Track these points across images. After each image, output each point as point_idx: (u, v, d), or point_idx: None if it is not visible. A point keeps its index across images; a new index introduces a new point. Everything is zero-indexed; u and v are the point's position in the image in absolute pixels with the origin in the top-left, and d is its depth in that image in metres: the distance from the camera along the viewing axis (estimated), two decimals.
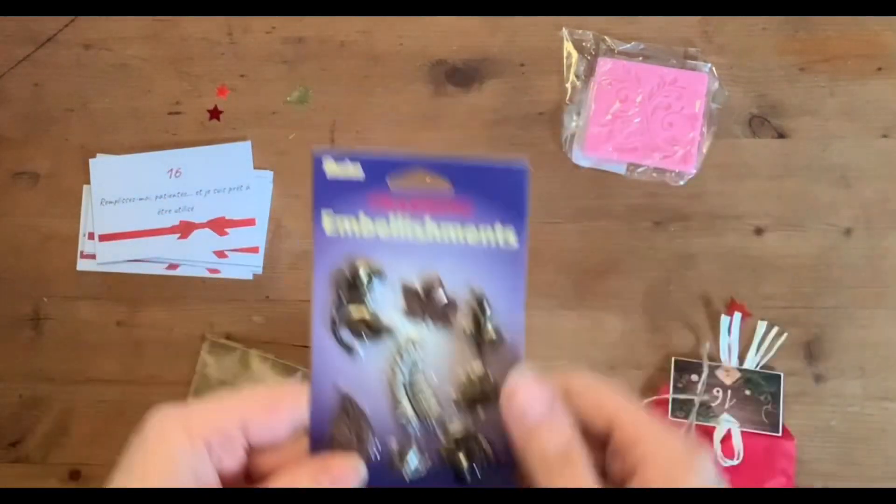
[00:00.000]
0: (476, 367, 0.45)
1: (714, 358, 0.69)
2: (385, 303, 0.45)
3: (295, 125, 0.73)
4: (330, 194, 0.45)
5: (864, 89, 0.71)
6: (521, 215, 0.44)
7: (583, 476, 0.37)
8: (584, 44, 0.72)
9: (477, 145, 0.72)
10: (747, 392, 0.68)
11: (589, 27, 0.72)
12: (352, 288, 0.45)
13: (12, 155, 0.74)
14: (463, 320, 0.45)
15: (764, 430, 0.67)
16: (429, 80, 0.73)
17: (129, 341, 0.72)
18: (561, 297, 0.71)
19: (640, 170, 0.70)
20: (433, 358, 0.45)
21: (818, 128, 0.71)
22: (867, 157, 0.71)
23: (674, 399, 0.68)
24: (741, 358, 0.69)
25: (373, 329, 0.45)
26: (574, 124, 0.71)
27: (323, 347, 0.45)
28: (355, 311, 0.45)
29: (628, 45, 0.72)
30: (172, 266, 0.72)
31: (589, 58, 0.72)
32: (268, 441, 0.41)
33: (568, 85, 0.72)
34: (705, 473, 0.36)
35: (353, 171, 0.44)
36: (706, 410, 0.68)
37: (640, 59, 0.71)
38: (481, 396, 0.44)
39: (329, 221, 0.44)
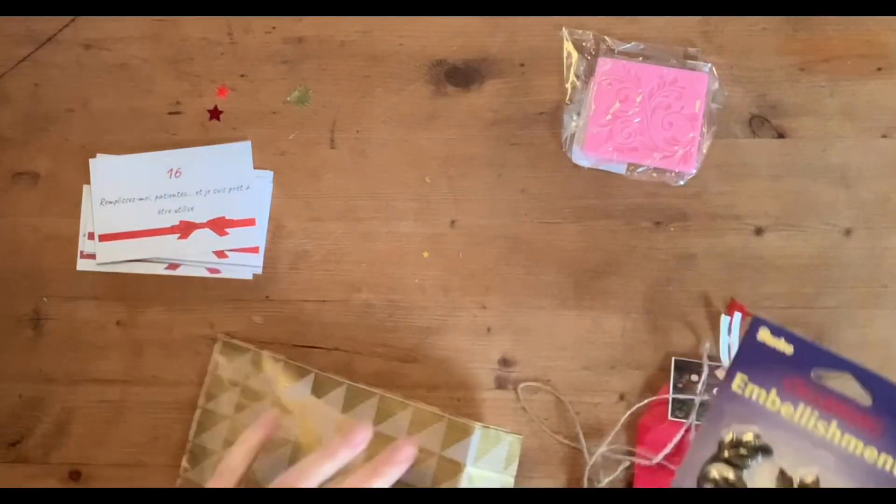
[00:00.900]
0: None
1: (714, 358, 0.69)
2: (758, 479, 0.46)
3: (295, 125, 0.73)
4: (753, 359, 0.48)
5: (864, 89, 0.71)
6: None
7: None
8: (584, 44, 0.72)
9: (477, 145, 0.72)
10: None
11: (589, 27, 0.72)
12: (732, 448, 0.47)
13: (12, 155, 0.74)
14: None
15: None
16: (429, 79, 0.73)
17: (129, 341, 0.72)
18: (561, 297, 0.71)
19: (640, 170, 0.70)
20: None
21: (818, 128, 0.71)
22: (867, 157, 0.71)
23: (674, 399, 0.68)
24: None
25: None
26: (574, 124, 0.71)
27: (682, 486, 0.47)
28: (722, 471, 0.47)
29: (628, 45, 0.72)
30: (172, 266, 0.72)
31: (589, 58, 0.72)
32: None
33: (568, 85, 0.72)
34: None
35: (784, 346, 0.47)
36: (706, 410, 0.68)
37: (640, 59, 0.71)
38: None
39: (740, 381, 0.47)
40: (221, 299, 0.72)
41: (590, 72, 0.71)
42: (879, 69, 0.71)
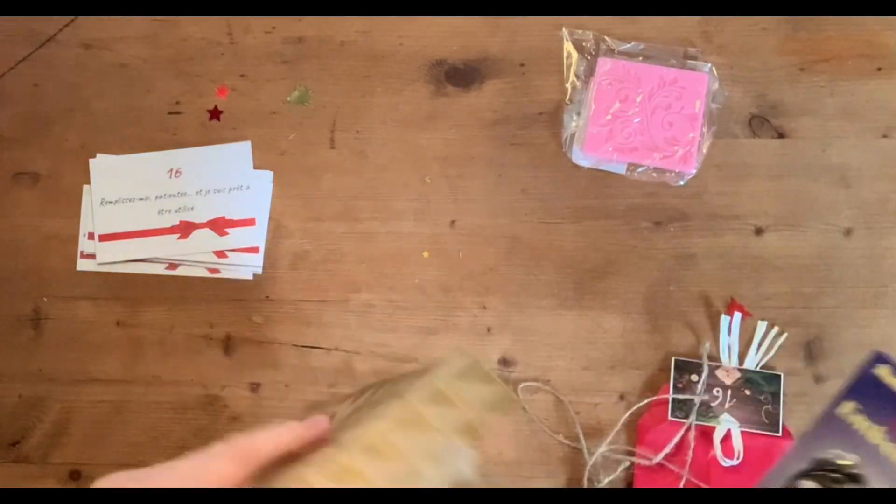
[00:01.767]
0: None
1: (714, 358, 0.69)
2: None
3: (295, 125, 0.73)
4: (868, 393, 0.49)
5: (864, 89, 0.71)
6: None
7: None
8: (584, 44, 0.72)
9: (477, 145, 0.72)
10: (747, 392, 0.68)
11: (589, 27, 0.72)
12: (828, 470, 0.50)
13: (12, 155, 0.74)
14: None
15: (764, 430, 0.67)
16: (429, 80, 0.73)
17: (129, 341, 0.72)
18: (561, 297, 0.71)
19: (640, 170, 0.70)
20: None
21: (818, 128, 0.71)
22: (867, 157, 0.71)
23: (674, 399, 0.68)
24: (741, 358, 0.69)
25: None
26: (574, 124, 0.71)
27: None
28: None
29: (628, 45, 0.72)
30: (172, 266, 0.72)
31: (589, 58, 0.72)
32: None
33: (568, 85, 0.72)
34: None
35: None
36: (706, 410, 0.68)
37: (640, 59, 0.71)
38: None
39: (850, 408, 0.49)
40: (221, 299, 0.72)
41: (590, 72, 0.71)
42: (879, 69, 0.71)
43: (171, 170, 0.73)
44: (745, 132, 0.71)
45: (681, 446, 0.67)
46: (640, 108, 0.70)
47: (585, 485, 0.68)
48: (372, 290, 0.72)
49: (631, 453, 0.68)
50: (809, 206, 0.71)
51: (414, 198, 0.72)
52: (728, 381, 0.68)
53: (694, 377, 0.68)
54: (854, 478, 0.47)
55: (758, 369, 0.68)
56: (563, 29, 0.72)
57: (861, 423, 0.49)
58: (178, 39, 0.74)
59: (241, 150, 0.73)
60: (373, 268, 0.72)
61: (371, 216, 0.72)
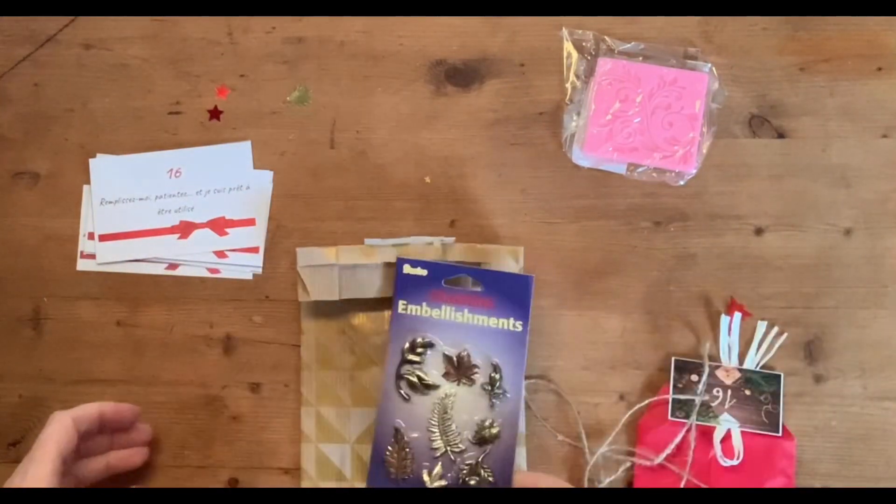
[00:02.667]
0: (487, 416, 0.66)
1: (714, 358, 0.69)
2: (433, 366, 0.66)
3: (295, 125, 0.73)
4: (406, 288, 0.67)
5: (864, 89, 0.71)
6: (525, 309, 0.66)
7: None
8: (584, 44, 0.72)
9: (477, 145, 0.72)
10: (747, 392, 0.68)
11: (589, 27, 0.72)
12: (412, 353, 0.66)
13: (12, 155, 0.74)
14: (482, 381, 0.66)
15: (764, 430, 0.67)
16: (429, 80, 0.73)
17: (129, 341, 0.72)
18: (561, 297, 0.71)
19: (640, 170, 0.70)
20: (460, 407, 0.66)
21: (818, 128, 0.71)
22: (867, 157, 0.71)
23: (674, 399, 0.68)
24: (741, 358, 0.69)
25: (423, 384, 0.66)
26: (574, 124, 0.71)
27: (389, 394, 0.66)
28: (410, 369, 0.66)
29: (628, 45, 0.72)
30: (172, 266, 0.72)
31: (589, 58, 0.72)
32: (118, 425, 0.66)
33: (568, 85, 0.72)
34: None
35: (420, 271, 0.67)
36: (706, 410, 0.68)
37: (640, 59, 0.71)
38: (488, 438, 0.65)
39: (403, 305, 0.67)
40: (221, 299, 0.72)
41: (590, 72, 0.71)
42: (879, 69, 0.71)
43: (171, 170, 0.73)
44: (745, 132, 0.71)
45: (681, 446, 0.67)
46: (640, 108, 0.70)
47: (586, 485, 0.68)
48: None
49: (631, 453, 0.68)
50: (809, 206, 0.71)
51: (414, 198, 0.72)
52: (728, 381, 0.68)
53: (694, 377, 0.68)
54: (429, 345, 0.66)
55: (758, 369, 0.68)
56: (563, 29, 0.72)
57: (412, 309, 0.67)
58: (178, 39, 0.74)
59: (241, 150, 0.73)
60: None
61: (371, 216, 0.72)
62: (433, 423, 0.66)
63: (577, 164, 0.72)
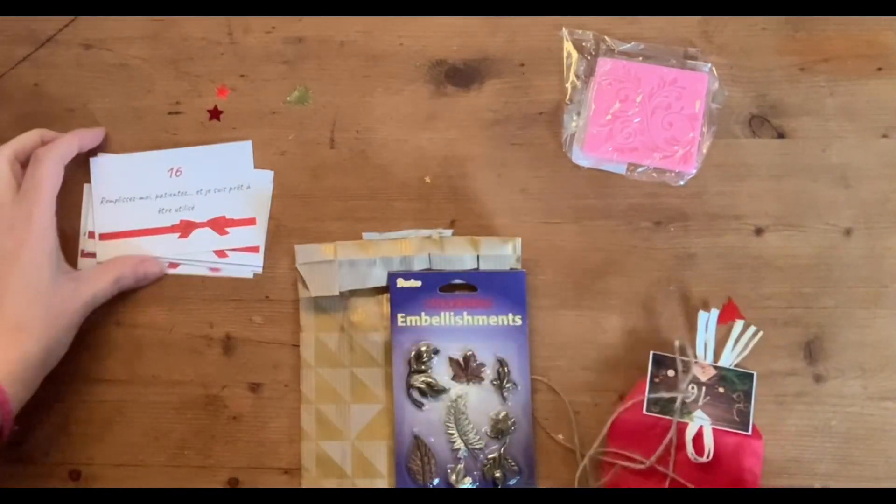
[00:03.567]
0: (501, 410, 0.68)
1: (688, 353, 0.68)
2: (441, 371, 0.68)
3: (295, 125, 0.73)
4: (402, 301, 0.68)
5: (864, 89, 0.71)
6: (522, 303, 0.69)
7: None
8: (584, 44, 0.72)
9: (477, 145, 0.72)
10: (721, 389, 0.67)
11: (589, 27, 0.72)
12: (418, 361, 0.68)
13: None
14: (491, 377, 0.68)
15: (734, 429, 0.67)
16: (429, 80, 0.73)
17: (129, 341, 0.72)
18: (561, 297, 0.71)
19: (640, 170, 0.70)
20: (473, 405, 0.68)
21: (818, 128, 0.71)
22: (867, 157, 0.71)
23: (650, 393, 0.67)
24: (716, 355, 0.68)
25: (433, 389, 0.68)
26: (574, 124, 0.71)
27: (401, 404, 0.68)
28: (418, 377, 0.68)
29: (628, 45, 0.72)
30: (172, 265, 0.72)
31: (589, 58, 0.72)
32: None
33: (568, 85, 0.72)
34: None
35: (414, 283, 0.68)
36: (681, 406, 0.67)
37: (640, 59, 0.71)
38: (505, 430, 0.68)
39: (401, 318, 0.68)
40: (221, 299, 0.72)
41: (590, 72, 0.71)
42: (879, 69, 0.71)
43: (172, 169, 0.73)
44: (745, 132, 0.71)
45: (654, 440, 0.66)
46: (640, 108, 0.70)
47: (577, 485, 0.68)
48: None
49: (620, 455, 0.68)
50: (809, 206, 0.71)
51: (414, 198, 0.72)
52: (703, 378, 0.68)
53: (671, 372, 0.68)
54: (434, 351, 0.68)
55: (732, 367, 0.68)
56: (563, 29, 0.72)
57: (412, 320, 0.68)
58: (178, 39, 0.74)
59: (242, 150, 0.73)
60: None
61: (371, 216, 0.72)
62: (450, 425, 0.68)
63: (577, 164, 0.72)
